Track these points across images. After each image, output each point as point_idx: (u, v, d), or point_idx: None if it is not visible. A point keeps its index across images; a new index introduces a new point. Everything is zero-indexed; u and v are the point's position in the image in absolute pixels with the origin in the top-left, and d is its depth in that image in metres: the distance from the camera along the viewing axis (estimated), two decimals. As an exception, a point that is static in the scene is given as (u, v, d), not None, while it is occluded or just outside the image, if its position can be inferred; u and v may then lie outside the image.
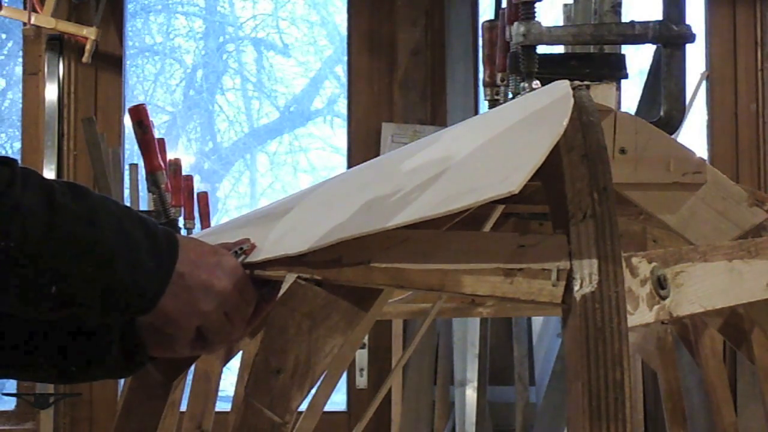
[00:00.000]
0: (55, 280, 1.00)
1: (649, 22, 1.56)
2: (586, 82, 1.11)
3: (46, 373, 1.21)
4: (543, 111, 1.07)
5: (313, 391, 1.15)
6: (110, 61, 4.11)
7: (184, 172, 3.08)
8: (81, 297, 1.02)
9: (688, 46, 1.57)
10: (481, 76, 3.00)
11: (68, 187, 1.03)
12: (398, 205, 1.00)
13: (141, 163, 2.88)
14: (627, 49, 1.73)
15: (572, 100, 1.01)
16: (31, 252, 0.98)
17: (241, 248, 1.14)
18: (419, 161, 1.18)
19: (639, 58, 3.66)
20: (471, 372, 3.78)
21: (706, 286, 1.03)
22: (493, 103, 2.05)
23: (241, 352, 2.44)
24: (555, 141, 0.92)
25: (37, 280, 0.99)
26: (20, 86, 4.15)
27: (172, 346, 1.14)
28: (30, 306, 1.02)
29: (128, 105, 3.30)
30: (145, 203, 3.44)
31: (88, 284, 1.02)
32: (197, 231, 3.13)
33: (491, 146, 1.08)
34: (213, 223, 3.41)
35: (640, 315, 0.94)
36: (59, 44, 4.01)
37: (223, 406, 2.77)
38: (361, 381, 4.07)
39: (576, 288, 0.89)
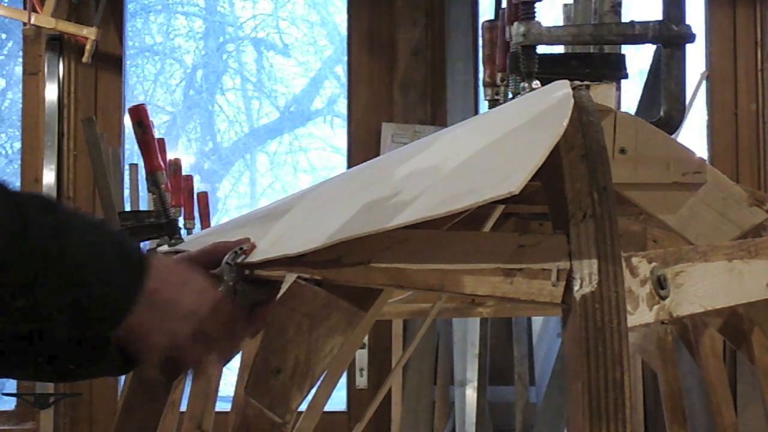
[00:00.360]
0: (21, 293, 0.97)
1: (649, 22, 1.56)
2: (586, 82, 1.11)
3: (44, 373, 1.20)
4: (543, 111, 1.07)
5: (313, 391, 1.15)
6: (110, 61, 4.11)
7: (184, 172, 3.08)
8: (48, 311, 1.00)
9: (688, 46, 1.57)
10: (481, 76, 3.00)
11: (38, 199, 1.00)
12: (398, 206, 1.00)
13: (141, 163, 2.88)
14: (627, 49, 1.73)
15: (572, 100, 1.01)
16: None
17: (241, 248, 1.14)
18: (419, 161, 1.18)
19: (639, 58, 3.66)
20: (471, 372, 3.78)
21: (706, 286, 1.03)
22: (493, 103, 2.05)
23: (240, 352, 2.44)
24: (555, 141, 0.92)
25: (2, 293, 0.97)
26: (20, 86, 4.15)
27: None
28: None
29: (128, 105, 3.31)
30: (145, 203, 3.44)
31: (55, 298, 0.99)
32: (197, 231, 3.13)
33: (491, 146, 1.08)
34: (213, 223, 3.42)
35: (640, 315, 0.94)
36: (59, 44, 4.01)
37: (223, 406, 2.77)
38: (361, 381, 4.07)
39: (576, 288, 0.89)
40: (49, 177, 3.97)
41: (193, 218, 3.15)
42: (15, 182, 4.09)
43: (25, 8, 3.97)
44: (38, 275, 0.97)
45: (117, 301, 1.03)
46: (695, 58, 4.15)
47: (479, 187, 0.92)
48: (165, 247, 2.07)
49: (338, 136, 5.51)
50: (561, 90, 1.08)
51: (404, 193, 1.03)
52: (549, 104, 1.07)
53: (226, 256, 1.15)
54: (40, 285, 0.98)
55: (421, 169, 1.12)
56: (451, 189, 0.98)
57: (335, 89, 5.71)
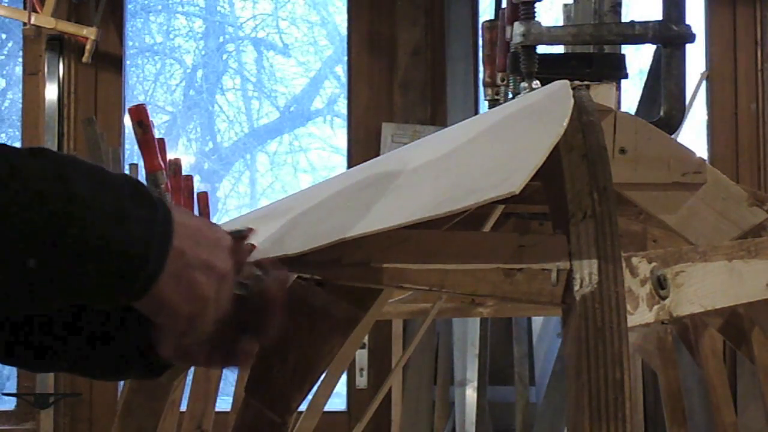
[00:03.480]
0: (31, 252, 0.81)
1: (649, 22, 1.56)
2: (586, 82, 1.12)
3: (68, 372, 1.08)
4: (543, 111, 1.07)
5: (313, 391, 1.15)
6: (110, 61, 4.11)
7: (184, 172, 3.08)
8: (64, 272, 0.83)
9: (688, 46, 1.58)
10: (481, 76, 3.00)
11: (25, 148, 0.85)
12: (399, 205, 1.00)
13: (141, 163, 2.88)
14: (627, 49, 1.73)
15: (572, 100, 1.01)
16: None
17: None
18: (419, 161, 1.18)
19: (639, 58, 3.66)
20: (471, 372, 3.78)
21: (706, 286, 1.03)
22: (493, 103, 2.06)
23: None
24: (555, 141, 0.92)
25: (7, 259, 0.81)
26: (20, 86, 4.15)
27: (156, 337, 0.97)
28: (11, 296, 0.83)
29: (128, 105, 3.31)
30: (145, 203, 3.44)
31: (67, 255, 0.82)
32: (197, 231, 3.13)
33: (491, 146, 1.08)
34: (213, 223, 3.41)
35: (640, 315, 0.94)
36: (59, 44, 4.01)
37: (223, 406, 2.77)
38: (361, 381, 4.07)
39: (576, 288, 0.89)
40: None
41: (193, 218, 3.15)
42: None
43: (25, 8, 3.97)
44: (45, 230, 0.81)
45: (143, 261, 0.85)
46: (695, 58, 4.15)
47: (480, 188, 0.92)
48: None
49: (338, 136, 5.51)
50: (561, 90, 1.08)
51: (404, 193, 1.03)
52: (549, 104, 1.07)
53: None
54: (49, 242, 0.81)
55: (421, 169, 1.12)
56: (451, 189, 0.98)
57: (335, 89, 5.71)
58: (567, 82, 1.09)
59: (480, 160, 1.04)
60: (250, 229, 1.02)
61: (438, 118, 4.14)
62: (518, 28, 1.57)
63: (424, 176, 1.07)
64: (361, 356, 4.05)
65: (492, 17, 2.46)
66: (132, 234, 0.85)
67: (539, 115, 1.07)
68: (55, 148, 3.96)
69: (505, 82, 1.91)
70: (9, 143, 0.85)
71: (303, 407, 1.25)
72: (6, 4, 4.18)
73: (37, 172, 0.82)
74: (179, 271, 0.88)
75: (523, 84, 1.61)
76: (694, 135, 4.24)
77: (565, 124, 0.95)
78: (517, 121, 1.11)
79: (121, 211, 0.84)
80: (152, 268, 0.86)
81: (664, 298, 0.97)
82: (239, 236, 0.99)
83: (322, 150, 5.89)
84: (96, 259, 0.83)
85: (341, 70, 5.52)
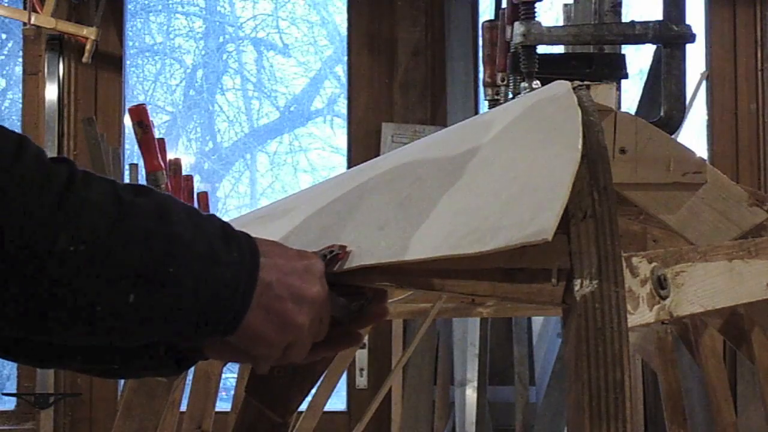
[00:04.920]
0: (131, 287, 0.84)
1: (649, 22, 1.56)
2: (586, 82, 1.11)
3: (85, 368, 1.05)
4: (553, 129, 1.04)
5: (313, 391, 1.15)
6: (110, 61, 4.11)
7: (184, 172, 3.08)
8: (159, 309, 0.86)
9: (688, 46, 1.58)
10: (481, 76, 3.00)
11: (128, 185, 0.88)
12: (414, 231, 0.98)
13: (141, 163, 2.89)
14: (627, 49, 1.73)
15: (580, 113, 1.00)
16: (103, 256, 0.82)
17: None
18: (428, 168, 1.15)
19: (639, 58, 3.66)
20: (471, 372, 3.78)
21: (706, 286, 1.03)
22: (493, 103, 2.06)
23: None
24: (575, 170, 0.91)
25: (110, 291, 0.84)
26: (20, 86, 4.15)
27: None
28: (106, 328, 0.85)
29: (128, 105, 3.31)
30: (145, 203, 3.44)
31: (165, 293, 0.85)
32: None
33: (505, 167, 1.05)
34: (213, 223, 3.41)
35: (640, 315, 0.94)
36: (59, 44, 4.01)
37: (223, 406, 2.77)
38: (361, 381, 4.07)
39: (576, 288, 0.89)
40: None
41: (193, 218, 3.15)
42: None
43: (25, 8, 3.97)
44: (147, 265, 0.84)
45: (232, 297, 0.88)
46: (695, 58, 4.15)
47: (505, 225, 0.90)
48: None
49: (338, 136, 5.50)
50: (564, 96, 1.07)
51: (418, 213, 1.01)
52: (558, 119, 1.05)
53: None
54: (151, 277, 0.84)
55: (430, 181, 1.10)
56: (472, 222, 0.95)
57: (335, 89, 5.70)
58: (570, 88, 1.08)
59: (496, 186, 1.00)
60: (342, 249, 1.00)
61: (438, 118, 4.14)
62: (518, 28, 1.57)
63: (435, 190, 1.04)
64: (361, 356, 4.05)
65: (492, 17, 2.46)
66: (223, 276, 0.88)
67: (549, 133, 1.04)
68: (55, 148, 3.97)
69: (505, 82, 1.91)
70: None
71: (303, 407, 1.25)
72: (6, 4, 4.18)
73: (142, 211, 0.85)
74: (268, 303, 0.91)
75: (523, 84, 1.61)
76: (694, 135, 4.25)
77: (579, 147, 0.94)
78: (527, 136, 1.09)
79: (214, 254, 0.88)
80: (240, 304, 0.89)
81: (664, 298, 0.97)
82: (332, 258, 0.99)
83: (322, 150, 5.89)
84: (191, 298, 0.86)
85: (341, 70, 5.52)
